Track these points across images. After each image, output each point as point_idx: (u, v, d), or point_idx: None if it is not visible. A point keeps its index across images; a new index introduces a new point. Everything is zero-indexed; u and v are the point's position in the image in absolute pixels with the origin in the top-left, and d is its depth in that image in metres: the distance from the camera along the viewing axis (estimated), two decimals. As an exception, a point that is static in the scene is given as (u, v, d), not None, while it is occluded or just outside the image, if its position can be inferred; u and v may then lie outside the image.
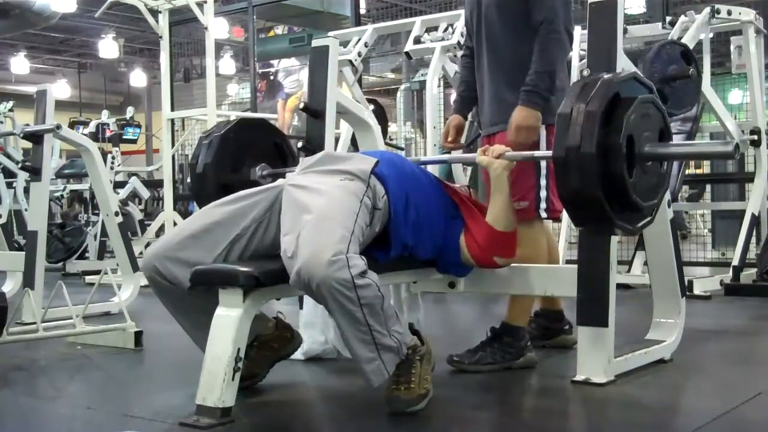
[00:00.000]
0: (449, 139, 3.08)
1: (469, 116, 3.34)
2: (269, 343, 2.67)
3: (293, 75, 13.06)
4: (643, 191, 2.24)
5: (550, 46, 2.79)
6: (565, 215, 4.60)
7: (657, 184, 2.32)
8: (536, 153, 2.68)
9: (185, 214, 8.46)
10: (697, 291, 4.71)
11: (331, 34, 5.10)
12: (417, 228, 2.50)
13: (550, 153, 2.29)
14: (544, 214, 2.91)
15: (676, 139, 5.31)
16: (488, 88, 2.97)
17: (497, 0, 2.91)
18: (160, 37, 6.37)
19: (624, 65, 2.64)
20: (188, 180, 10.57)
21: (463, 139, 3.18)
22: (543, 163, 2.86)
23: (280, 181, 2.51)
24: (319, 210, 2.25)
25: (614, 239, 2.60)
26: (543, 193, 2.87)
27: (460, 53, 4.88)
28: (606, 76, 2.26)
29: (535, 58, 2.79)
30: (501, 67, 2.92)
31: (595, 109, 2.14)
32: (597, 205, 2.16)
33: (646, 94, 2.28)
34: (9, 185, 7.08)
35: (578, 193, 2.17)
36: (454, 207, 2.66)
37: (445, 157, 3.28)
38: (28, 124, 4.11)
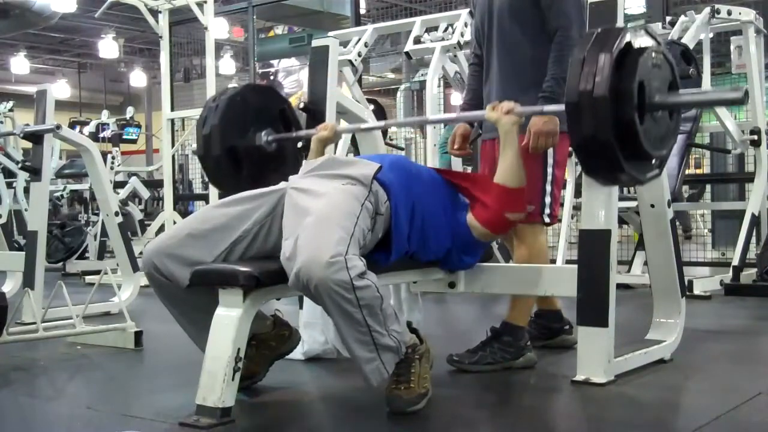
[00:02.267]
0: (455, 146, 3.09)
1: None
2: (267, 341, 2.67)
3: (293, 75, 13.08)
4: (653, 140, 2.27)
5: (565, 52, 2.79)
6: (565, 215, 4.61)
7: (666, 134, 2.35)
8: (545, 108, 2.67)
9: (185, 214, 8.45)
10: (697, 291, 4.71)
11: (331, 34, 5.11)
12: (422, 233, 2.51)
13: (562, 107, 2.30)
14: (547, 219, 2.93)
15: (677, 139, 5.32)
16: (497, 91, 2.97)
17: (510, 6, 2.91)
18: (160, 37, 6.38)
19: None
20: (190, 177, 10.58)
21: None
22: (549, 170, 2.90)
23: (282, 184, 2.51)
24: (319, 212, 2.25)
25: (614, 239, 2.60)
26: (548, 199, 2.90)
27: (460, 53, 4.90)
28: (619, 26, 2.29)
29: (552, 65, 2.80)
30: (513, 71, 2.93)
31: (609, 54, 2.17)
32: (608, 149, 2.18)
33: (657, 45, 2.30)
34: (9, 185, 7.08)
35: (591, 138, 2.20)
36: (457, 194, 2.67)
37: (452, 115, 3.22)
38: (28, 124, 4.12)
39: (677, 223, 3.02)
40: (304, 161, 2.64)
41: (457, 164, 5.01)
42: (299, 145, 3.09)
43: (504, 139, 2.63)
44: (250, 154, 2.97)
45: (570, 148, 3.16)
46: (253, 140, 2.97)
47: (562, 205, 3.06)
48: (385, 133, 5.18)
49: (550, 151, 2.88)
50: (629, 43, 2.22)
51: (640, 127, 2.19)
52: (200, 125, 2.96)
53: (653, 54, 2.25)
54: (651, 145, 2.26)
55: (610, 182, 2.52)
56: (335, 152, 3.42)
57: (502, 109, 2.63)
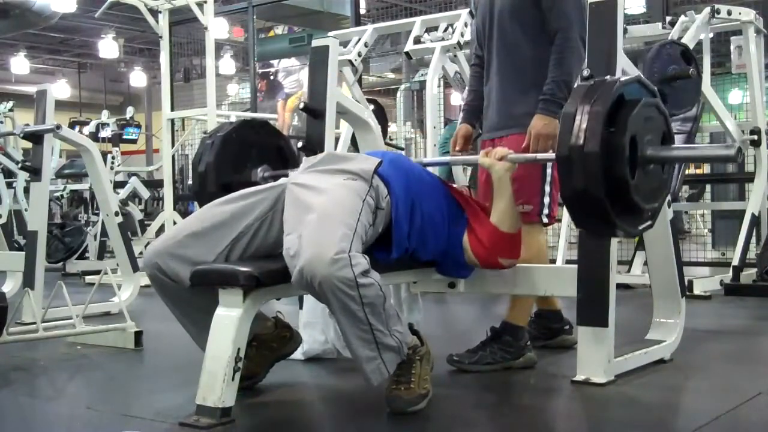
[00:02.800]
0: (457, 147, 3.09)
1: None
2: (268, 342, 2.67)
3: (293, 75, 13.08)
4: (645, 194, 2.24)
5: (566, 54, 2.80)
6: (565, 215, 4.61)
7: (659, 187, 2.33)
8: (539, 155, 2.68)
9: (185, 214, 8.45)
10: (697, 291, 4.71)
11: (331, 34, 5.10)
12: (421, 232, 2.51)
13: (552, 155, 2.28)
14: (545, 220, 2.93)
15: (677, 138, 5.32)
16: (497, 92, 2.97)
17: (511, 7, 2.92)
18: (160, 37, 6.37)
19: (624, 65, 2.64)
20: (189, 180, 10.59)
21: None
22: (548, 170, 2.89)
23: (282, 180, 2.51)
24: (322, 208, 2.25)
25: (614, 239, 2.60)
26: (546, 200, 2.90)
27: (460, 53, 4.90)
28: (610, 78, 2.27)
29: (552, 67, 2.80)
30: (513, 72, 2.93)
31: (600, 109, 2.15)
32: (599, 205, 2.16)
33: (650, 97, 2.28)
34: (9, 185, 7.08)
35: (581, 193, 2.17)
36: (458, 208, 2.66)
37: (447, 159, 3.29)
38: (28, 124, 4.11)
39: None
40: (304, 157, 2.65)
41: (457, 166, 5.01)
42: (299, 144, 3.09)
43: (497, 185, 2.63)
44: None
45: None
46: (248, 177, 2.97)
47: (561, 205, 3.05)
48: (385, 133, 5.18)
49: (550, 151, 2.88)
50: (621, 96, 2.20)
51: (632, 182, 2.17)
52: (196, 162, 2.98)
53: (646, 107, 2.23)
54: (643, 199, 2.23)
55: (601, 236, 2.50)
56: (336, 149, 3.42)
57: (495, 155, 2.63)
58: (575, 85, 2.30)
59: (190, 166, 10.32)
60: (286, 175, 2.73)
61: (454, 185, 2.95)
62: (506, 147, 2.78)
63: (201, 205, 2.93)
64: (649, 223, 2.34)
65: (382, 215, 2.40)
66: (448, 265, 2.69)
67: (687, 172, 5.86)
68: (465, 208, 2.67)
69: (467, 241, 2.61)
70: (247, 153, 3.00)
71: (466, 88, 3.36)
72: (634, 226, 2.31)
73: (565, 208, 4.53)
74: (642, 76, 2.45)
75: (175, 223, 6.06)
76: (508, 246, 2.63)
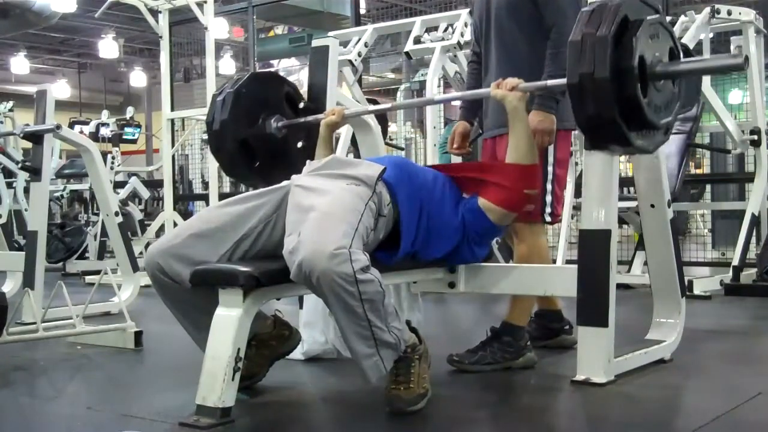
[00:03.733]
0: (455, 145, 3.09)
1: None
2: (267, 341, 2.66)
3: (293, 75, 13.08)
4: (658, 109, 2.28)
5: (561, 49, 2.78)
6: (565, 215, 4.61)
7: (670, 101, 2.36)
8: (549, 82, 2.65)
9: (185, 214, 8.46)
10: (697, 291, 4.71)
11: (331, 34, 5.11)
12: (427, 235, 2.52)
13: (564, 81, 2.30)
14: (548, 219, 2.93)
15: (676, 139, 5.32)
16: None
17: (507, 4, 2.91)
18: (160, 37, 6.38)
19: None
20: (191, 177, 10.58)
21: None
22: (550, 168, 2.89)
23: (285, 183, 2.51)
24: (323, 207, 2.25)
25: (614, 239, 2.60)
26: (548, 198, 2.90)
27: (460, 53, 4.91)
28: (612, 1, 2.28)
29: (548, 63, 2.80)
30: (511, 69, 2.92)
31: (606, 33, 2.18)
32: (614, 127, 2.20)
33: (654, 15, 2.30)
34: (9, 185, 7.09)
35: (595, 118, 2.21)
36: (459, 192, 2.67)
37: (458, 94, 3.20)
38: (28, 124, 4.11)
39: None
40: (308, 161, 2.65)
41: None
42: (299, 145, 3.09)
43: (512, 116, 2.63)
44: (263, 142, 2.97)
45: (570, 148, 3.17)
46: (263, 129, 2.97)
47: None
48: (385, 133, 5.17)
49: (551, 149, 2.88)
50: (626, 17, 2.22)
51: (644, 100, 2.21)
52: (209, 122, 2.96)
53: (651, 25, 2.25)
54: (656, 115, 2.27)
55: (619, 153, 2.53)
56: (336, 149, 3.41)
57: (506, 86, 2.62)
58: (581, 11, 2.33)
59: (190, 165, 10.35)
60: (302, 125, 2.70)
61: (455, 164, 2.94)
62: (506, 146, 2.78)
63: (221, 163, 2.97)
64: (664, 138, 2.39)
65: (384, 222, 2.40)
66: (464, 250, 2.68)
67: (687, 172, 5.85)
68: (472, 174, 2.68)
69: (485, 201, 2.61)
70: (259, 106, 2.99)
71: (465, 85, 3.35)
72: (651, 142, 2.34)
73: (564, 208, 4.56)
74: None
75: (175, 223, 6.06)
76: (532, 177, 2.65)
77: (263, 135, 2.95)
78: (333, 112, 2.89)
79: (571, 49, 2.24)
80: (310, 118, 3.00)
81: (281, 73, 13.30)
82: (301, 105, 3.14)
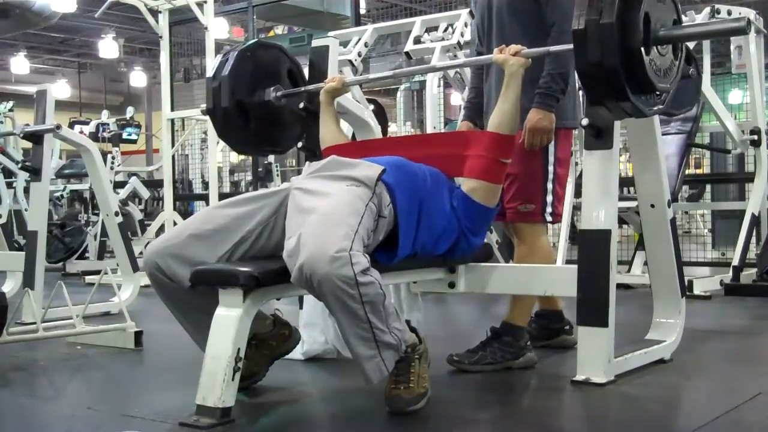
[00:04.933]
0: None
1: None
2: (267, 341, 2.66)
3: (293, 75, 13.05)
4: (658, 71, 2.29)
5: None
6: (565, 214, 4.61)
7: (670, 68, 2.37)
8: (552, 48, 2.67)
9: (185, 214, 8.46)
10: (697, 291, 4.70)
11: (331, 34, 5.10)
12: (428, 234, 2.52)
13: (570, 46, 2.31)
14: (549, 218, 2.93)
15: (676, 139, 5.32)
16: (497, 89, 2.96)
17: (509, 2, 2.92)
18: (160, 37, 6.38)
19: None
20: (191, 177, 10.58)
21: None
22: (550, 168, 2.89)
23: (285, 185, 2.51)
24: (324, 209, 2.24)
25: (614, 239, 2.60)
26: (549, 198, 2.89)
27: (460, 53, 4.90)
28: None
29: (548, 60, 2.80)
30: None
31: None
32: (614, 77, 2.20)
33: None
34: (9, 185, 7.08)
35: (597, 65, 2.22)
36: (453, 183, 2.68)
37: (460, 61, 3.20)
38: (28, 124, 4.11)
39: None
40: (307, 162, 2.64)
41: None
42: (299, 145, 3.09)
43: (508, 80, 2.63)
44: (259, 109, 3.00)
45: (571, 147, 3.17)
46: (261, 96, 3.00)
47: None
48: (385, 132, 5.17)
49: (551, 148, 2.88)
50: None
51: (646, 57, 2.22)
52: (210, 78, 2.99)
53: None
54: (656, 77, 2.28)
55: (615, 112, 2.50)
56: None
57: (509, 51, 2.64)
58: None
59: (190, 165, 10.35)
60: (300, 94, 2.70)
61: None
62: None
63: (215, 122, 2.99)
64: (660, 106, 2.39)
65: (384, 223, 2.39)
66: (462, 244, 2.68)
67: (687, 172, 5.85)
68: (451, 150, 2.70)
69: (467, 182, 2.64)
70: (261, 72, 3.03)
71: (467, 85, 3.35)
72: (647, 105, 2.35)
73: (565, 208, 4.55)
74: None
75: (175, 223, 6.06)
76: (507, 147, 2.65)
77: (260, 101, 3.00)
78: (333, 79, 2.91)
79: None
80: (311, 87, 3.04)
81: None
82: (301, 105, 3.14)
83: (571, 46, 2.32)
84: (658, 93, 2.35)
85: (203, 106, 3.12)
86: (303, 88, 3.04)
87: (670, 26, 2.32)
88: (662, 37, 2.28)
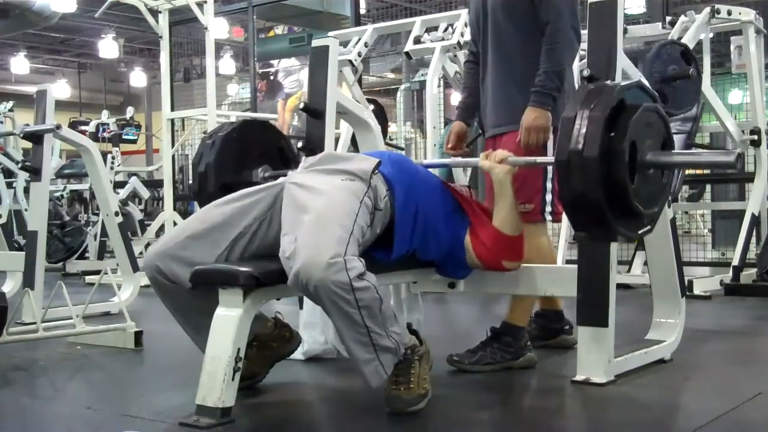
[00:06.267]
0: (450, 145, 3.09)
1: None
2: (268, 342, 2.67)
3: (293, 75, 13.06)
4: (645, 198, 2.25)
5: (556, 45, 2.80)
6: (565, 215, 4.61)
7: (658, 192, 2.34)
8: (538, 159, 2.68)
9: (185, 214, 8.44)
10: (697, 291, 4.70)
11: (331, 34, 5.10)
12: (424, 233, 2.51)
13: (552, 159, 2.29)
14: (549, 217, 2.93)
15: (676, 139, 5.32)
16: (494, 89, 2.97)
17: (503, 1, 2.91)
18: (160, 37, 6.37)
19: (624, 65, 2.64)
20: (189, 180, 10.59)
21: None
22: (549, 166, 2.87)
23: (281, 179, 2.51)
24: (318, 211, 2.24)
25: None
26: (548, 197, 2.89)
27: (460, 53, 4.90)
28: (611, 83, 2.27)
29: (543, 59, 2.80)
30: (509, 68, 2.92)
31: (600, 114, 2.16)
32: (598, 209, 2.16)
33: (650, 102, 2.29)
34: (9, 185, 7.08)
35: (579, 197, 2.18)
36: (459, 209, 2.65)
37: (447, 161, 3.29)
38: (28, 124, 4.11)
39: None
40: (303, 157, 2.65)
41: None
42: (299, 144, 3.09)
43: (498, 189, 2.61)
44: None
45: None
46: (249, 177, 2.97)
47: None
48: (385, 132, 5.17)
49: (550, 147, 2.87)
50: (622, 101, 2.21)
51: (631, 186, 2.18)
52: (196, 162, 2.98)
53: (647, 112, 2.24)
54: (642, 204, 2.23)
55: (600, 240, 2.51)
56: (336, 149, 3.42)
57: (495, 158, 2.62)
58: (577, 88, 2.30)
59: (191, 167, 10.36)
60: (286, 175, 2.72)
61: (455, 185, 2.94)
62: (506, 145, 2.78)
63: (201, 205, 2.94)
64: (648, 228, 2.35)
65: (380, 216, 2.39)
66: (449, 266, 2.68)
67: (687, 172, 5.85)
68: (466, 210, 2.66)
69: (469, 242, 2.60)
70: (248, 153, 3.00)
71: (462, 85, 3.35)
72: (634, 231, 2.31)
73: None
74: (643, 80, 2.45)
75: (175, 223, 6.06)
76: (511, 249, 2.63)
77: (248, 183, 2.92)
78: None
79: (563, 125, 2.22)
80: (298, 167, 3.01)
81: (281, 74, 13.33)
82: (301, 105, 3.15)
83: (552, 159, 2.30)
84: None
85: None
86: (291, 171, 3.02)
87: (658, 151, 2.27)
88: (649, 163, 2.23)
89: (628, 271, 5.31)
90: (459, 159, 3.15)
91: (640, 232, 2.34)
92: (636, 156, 2.19)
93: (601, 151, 2.13)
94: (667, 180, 2.37)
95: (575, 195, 2.19)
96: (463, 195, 2.71)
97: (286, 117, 10.39)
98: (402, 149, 8.51)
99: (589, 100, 2.19)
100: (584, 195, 2.16)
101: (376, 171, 2.40)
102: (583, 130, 2.15)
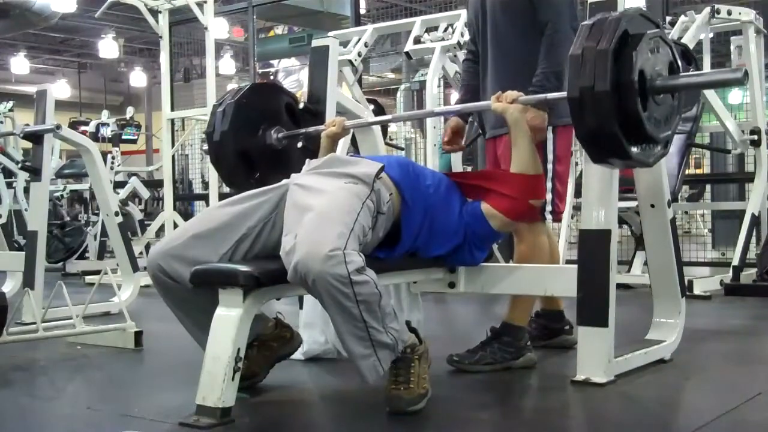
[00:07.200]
0: (445, 139, 3.11)
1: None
2: (269, 342, 2.67)
3: (293, 75, 13.06)
4: (658, 123, 2.29)
5: (555, 45, 2.80)
6: (565, 214, 4.61)
7: (670, 114, 2.37)
8: (549, 95, 2.66)
9: (185, 214, 8.46)
10: (697, 291, 4.70)
11: (331, 34, 5.10)
12: (429, 233, 2.53)
13: (565, 94, 2.31)
14: (549, 217, 2.92)
15: (676, 139, 5.32)
16: (493, 89, 2.96)
17: (502, 1, 2.91)
18: (160, 37, 6.37)
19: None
20: (190, 178, 10.58)
21: (463, 141, 3.20)
22: (549, 166, 2.89)
23: (285, 181, 2.52)
24: (320, 208, 2.25)
25: (614, 239, 2.60)
26: (549, 196, 2.89)
27: (460, 53, 4.90)
28: (613, 14, 2.29)
29: (542, 59, 2.80)
30: (507, 67, 2.93)
31: (606, 47, 2.18)
32: (614, 140, 2.21)
33: (654, 29, 2.31)
34: (9, 185, 7.08)
35: (595, 131, 2.22)
36: (462, 196, 2.69)
37: (458, 107, 3.21)
38: (28, 124, 4.11)
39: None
40: (307, 159, 2.65)
41: (456, 163, 5.01)
42: (299, 144, 3.09)
43: (514, 128, 2.64)
44: (262, 154, 2.97)
45: (571, 144, 3.17)
46: (263, 140, 2.97)
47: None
48: (385, 133, 5.18)
49: (550, 146, 2.88)
50: (626, 32, 2.23)
51: (644, 114, 2.21)
52: (210, 132, 2.96)
53: (651, 39, 2.26)
54: (656, 129, 2.28)
55: (619, 167, 2.54)
56: (336, 150, 3.41)
57: (506, 99, 2.63)
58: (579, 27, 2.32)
59: (190, 165, 10.35)
60: (301, 135, 2.70)
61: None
62: (507, 145, 2.79)
63: (221, 175, 2.99)
64: (663, 151, 2.39)
65: (383, 220, 2.39)
66: (464, 252, 2.70)
67: (687, 172, 5.85)
68: (476, 182, 2.69)
69: (488, 208, 2.63)
70: (259, 117, 2.99)
71: (460, 83, 3.35)
72: (649, 156, 2.35)
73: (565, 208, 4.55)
74: (644, 8, 2.46)
75: (175, 223, 6.06)
76: (536, 187, 2.68)
77: (263, 146, 2.95)
78: (333, 123, 2.90)
79: (571, 62, 2.25)
80: (310, 129, 3.00)
81: (281, 74, 13.35)
82: (301, 105, 3.14)
83: (564, 95, 2.32)
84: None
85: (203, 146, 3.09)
86: (304, 130, 3.01)
87: (666, 75, 2.30)
88: (659, 88, 2.27)
89: (628, 271, 5.31)
90: (471, 104, 3.09)
91: (655, 156, 2.38)
92: (645, 83, 2.22)
93: (612, 84, 2.17)
94: (677, 101, 2.39)
95: (590, 130, 2.23)
96: (473, 173, 2.73)
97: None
98: (402, 149, 8.51)
99: (594, 35, 2.22)
100: (600, 129, 2.21)
101: (380, 175, 2.40)
102: (592, 66, 2.19)
